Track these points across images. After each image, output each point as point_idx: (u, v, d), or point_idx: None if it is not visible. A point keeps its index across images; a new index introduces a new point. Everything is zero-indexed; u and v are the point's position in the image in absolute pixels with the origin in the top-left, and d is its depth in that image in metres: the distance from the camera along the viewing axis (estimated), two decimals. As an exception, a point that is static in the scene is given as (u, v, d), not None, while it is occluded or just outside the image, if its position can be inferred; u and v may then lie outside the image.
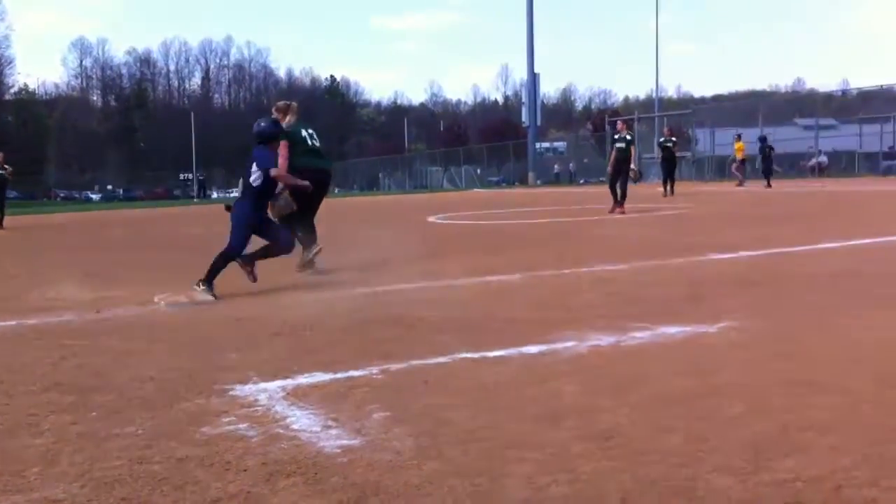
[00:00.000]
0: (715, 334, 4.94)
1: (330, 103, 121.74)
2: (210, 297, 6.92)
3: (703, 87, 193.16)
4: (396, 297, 6.82)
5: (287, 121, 8.65)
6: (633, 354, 4.51)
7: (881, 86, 48.28)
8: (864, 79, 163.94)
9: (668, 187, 24.59)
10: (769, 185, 28.28)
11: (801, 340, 4.68)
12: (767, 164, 30.02)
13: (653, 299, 6.27)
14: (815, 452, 2.86)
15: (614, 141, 18.03)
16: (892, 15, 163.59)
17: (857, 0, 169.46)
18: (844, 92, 72.17)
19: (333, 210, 23.66)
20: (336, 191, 70.02)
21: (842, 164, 48.38)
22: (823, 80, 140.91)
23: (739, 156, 33.42)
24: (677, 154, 26.99)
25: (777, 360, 4.22)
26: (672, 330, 5.05)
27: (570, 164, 65.92)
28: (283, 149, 8.38)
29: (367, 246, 11.47)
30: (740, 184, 31.56)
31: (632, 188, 18.46)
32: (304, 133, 8.63)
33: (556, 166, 66.34)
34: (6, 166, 21.76)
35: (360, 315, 5.99)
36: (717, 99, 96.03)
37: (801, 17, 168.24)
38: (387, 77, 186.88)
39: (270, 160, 7.46)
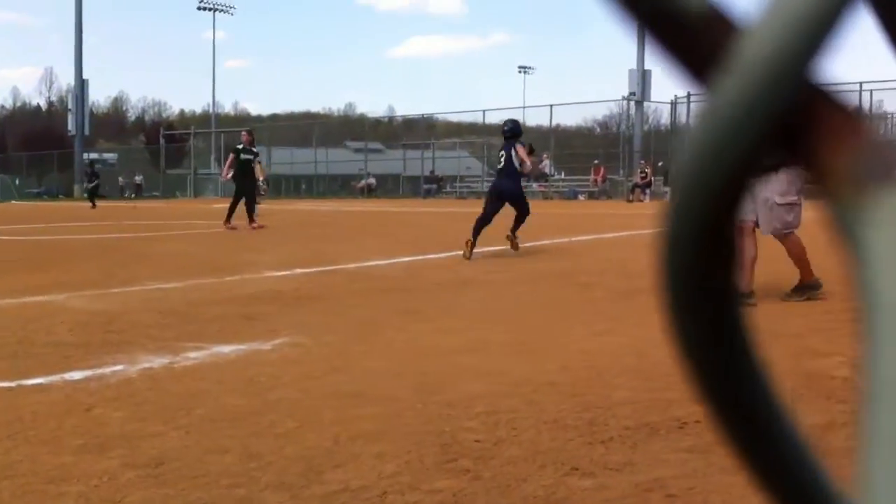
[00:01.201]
0: (270, 351, 4.99)
1: None
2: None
3: (261, 105, 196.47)
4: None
5: None
6: (186, 376, 4.40)
7: (423, 115, 53.02)
8: (408, 107, 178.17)
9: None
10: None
11: (350, 354, 4.90)
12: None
13: (208, 318, 6.18)
14: (362, 461, 2.99)
15: (239, 152, 17.83)
16: (429, 49, 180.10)
17: (403, 35, 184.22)
18: (391, 118, 77.96)
19: None
20: None
21: (388, 186, 52.13)
22: (372, 107, 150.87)
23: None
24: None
25: (329, 374, 4.37)
26: (227, 349, 5.01)
27: (137, 177, 62.21)
28: None
29: None
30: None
31: (191, 204, 18.28)
32: None
33: (120, 179, 62.64)
34: None
35: None
36: (275, 118, 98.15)
37: (353, 45, 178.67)
38: None
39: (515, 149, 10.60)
